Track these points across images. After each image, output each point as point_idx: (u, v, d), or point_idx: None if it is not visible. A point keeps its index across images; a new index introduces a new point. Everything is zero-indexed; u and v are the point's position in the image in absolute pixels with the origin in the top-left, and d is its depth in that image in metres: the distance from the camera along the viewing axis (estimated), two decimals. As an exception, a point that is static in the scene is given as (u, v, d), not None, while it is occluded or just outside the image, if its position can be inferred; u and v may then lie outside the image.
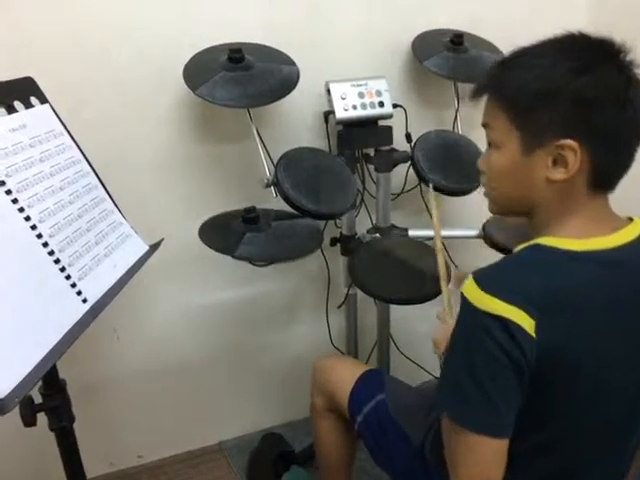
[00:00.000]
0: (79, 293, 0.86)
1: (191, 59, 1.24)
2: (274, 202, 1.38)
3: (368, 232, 1.50)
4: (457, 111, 1.52)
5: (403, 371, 1.66)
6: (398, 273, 1.24)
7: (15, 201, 0.80)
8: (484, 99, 0.80)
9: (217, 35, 1.30)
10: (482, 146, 1.46)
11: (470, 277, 0.73)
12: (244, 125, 1.38)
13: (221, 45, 1.27)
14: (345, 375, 1.14)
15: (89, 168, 1.02)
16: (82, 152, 1.01)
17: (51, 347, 0.77)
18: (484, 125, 0.80)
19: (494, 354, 0.68)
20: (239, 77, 1.20)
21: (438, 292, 1.17)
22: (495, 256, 1.41)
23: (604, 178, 0.73)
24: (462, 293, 0.73)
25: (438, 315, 1.01)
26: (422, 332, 1.79)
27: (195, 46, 1.27)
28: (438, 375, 1.85)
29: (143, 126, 1.34)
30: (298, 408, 1.78)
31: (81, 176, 0.98)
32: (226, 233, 1.13)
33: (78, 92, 1.25)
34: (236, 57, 1.21)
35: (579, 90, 0.68)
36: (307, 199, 1.21)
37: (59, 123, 0.99)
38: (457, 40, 1.45)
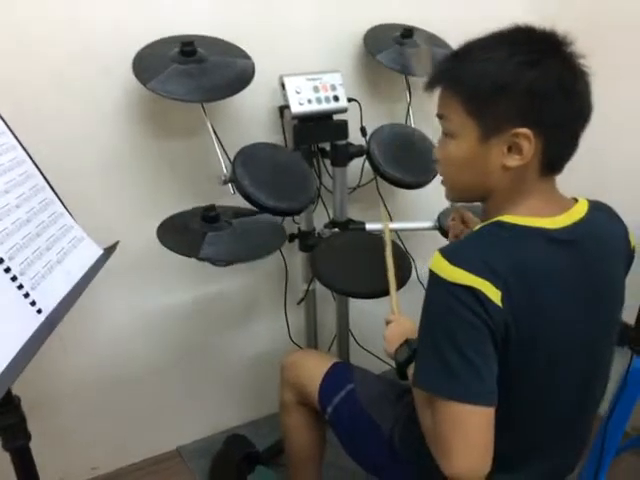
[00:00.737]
0: (33, 303, 0.81)
1: (140, 52, 1.18)
2: (229, 199, 1.35)
3: (325, 227, 1.50)
4: (409, 104, 1.53)
5: (362, 363, 1.67)
6: (360, 267, 1.24)
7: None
8: (437, 91, 0.82)
9: (165, 28, 1.24)
10: (435, 139, 1.51)
11: (437, 253, 0.76)
12: (196, 120, 1.34)
13: (171, 37, 1.22)
14: (314, 368, 1.14)
15: (35, 169, 0.96)
16: (26, 152, 0.95)
17: (6, 364, 0.71)
18: (439, 116, 0.82)
19: (470, 320, 0.71)
20: (192, 70, 1.15)
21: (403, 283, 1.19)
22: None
23: (554, 163, 0.78)
24: (430, 270, 0.76)
25: (387, 319, 1.02)
26: (380, 324, 1.82)
27: (142, 39, 1.21)
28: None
29: (88, 124, 1.27)
30: (258, 406, 1.76)
31: (27, 177, 0.92)
32: (186, 234, 1.09)
33: (17, 89, 1.16)
34: (188, 50, 1.16)
35: (531, 83, 0.72)
36: (267, 195, 1.18)
37: None
38: (407, 34, 1.46)
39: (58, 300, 0.86)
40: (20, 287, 0.79)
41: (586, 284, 0.78)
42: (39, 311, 0.81)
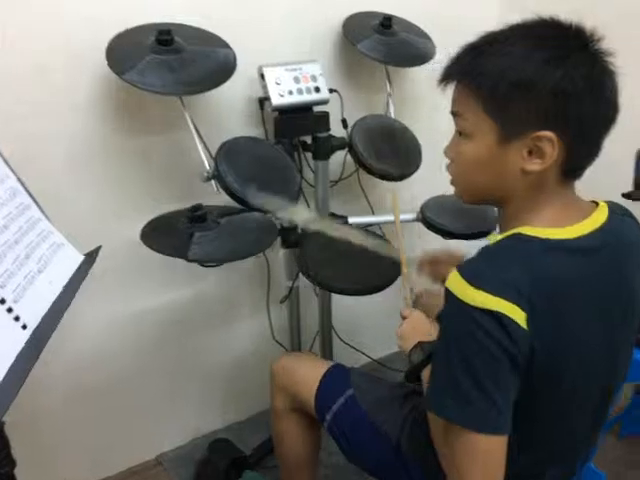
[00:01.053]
0: (17, 319, 0.73)
1: (112, 41, 1.10)
2: (210, 195, 1.29)
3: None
4: (389, 95, 1.50)
5: (344, 357, 1.65)
6: (350, 263, 1.21)
7: None
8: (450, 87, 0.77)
9: (138, 15, 1.16)
10: (415, 130, 1.49)
11: (455, 272, 0.71)
12: (172, 113, 1.27)
13: (145, 26, 1.15)
14: (308, 374, 1.09)
15: (9, 171, 0.87)
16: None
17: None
18: (454, 113, 0.77)
19: (490, 350, 0.66)
20: (170, 61, 1.08)
21: (392, 280, 1.17)
22: (434, 238, 1.44)
23: (576, 168, 0.74)
24: (447, 289, 0.71)
25: (402, 313, 0.99)
26: (361, 318, 1.81)
27: (114, 27, 1.13)
28: (377, 358, 1.87)
29: (58, 118, 1.18)
30: (240, 408, 1.71)
31: (1, 181, 0.84)
32: (173, 235, 1.03)
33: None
34: (165, 39, 1.09)
35: (556, 82, 0.67)
36: (251, 192, 1.13)
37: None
38: (386, 23, 1.43)
39: (42, 313, 0.78)
40: (2, 301, 0.72)
41: (610, 293, 0.75)
42: (24, 327, 0.74)
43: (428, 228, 1.43)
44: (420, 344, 0.87)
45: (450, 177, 0.83)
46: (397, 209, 1.13)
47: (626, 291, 0.77)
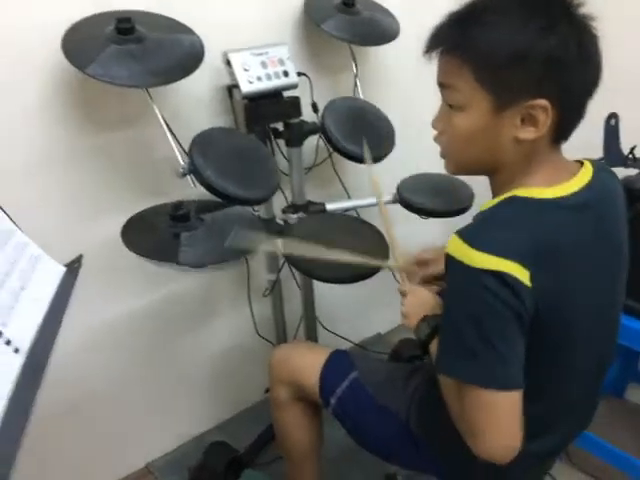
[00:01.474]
0: (8, 342, 0.67)
1: (67, 32, 1.02)
2: (180, 190, 1.22)
3: (284, 211, 1.42)
4: (356, 76, 1.47)
5: (329, 346, 1.63)
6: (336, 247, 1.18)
7: None
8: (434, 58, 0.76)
9: (89, 4, 1.08)
10: (385, 109, 1.47)
11: (455, 236, 0.72)
12: (133, 108, 1.21)
13: (100, 14, 1.07)
14: (309, 361, 1.07)
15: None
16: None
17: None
18: (442, 85, 0.77)
19: (496, 308, 0.68)
20: (133, 51, 1.01)
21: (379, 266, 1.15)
22: (414, 219, 1.43)
23: (566, 132, 0.76)
24: (448, 254, 0.72)
25: (400, 289, 0.98)
26: (340, 304, 1.79)
27: (64, 18, 1.04)
28: (359, 343, 1.85)
29: (9, 121, 1.09)
30: (227, 406, 1.67)
31: (-34, 191, 0.76)
32: (156, 237, 0.97)
33: None
34: (125, 27, 1.02)
35: (551, 50, 0.68)
36: (232, 185, 1.08)
37: None
38: (349, 2, 1.39)
39: (33, 334, 0.72)
40: (-10, 326, 0.65)
41: (603, 245, 0.78)
42: (16, 350, 0.68)
43: (406, 208, 1.42)
44: (425, 318, 0.87)
45: (440, 149, 0.83)
46: (378, 190, 1.11)
47: (617, 243, 0.81)
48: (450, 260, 0.71)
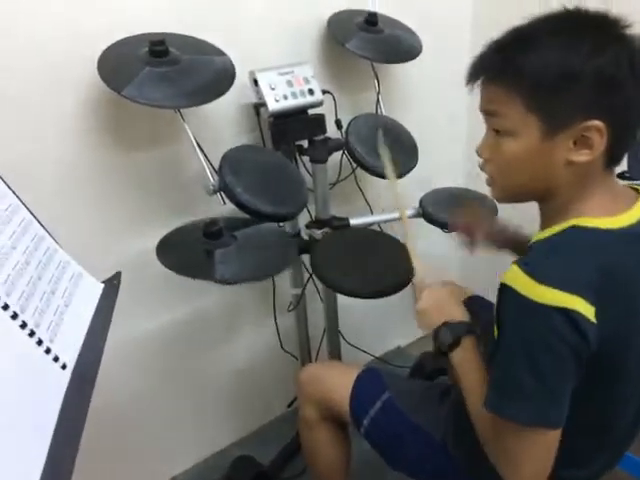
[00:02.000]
0: (56, 359, 0.69)
1: (103, 55, 1.05)
2: (207, 207, 1.25)
3: (308, 226, 1.43)
4: (378, 93, 1.49)
5: (348, 359, 1.64)
6: (364, 267, 1.19)
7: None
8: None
9: (118, 26, 1.10)
10: (408, 126, 1.49)
11: (515, 267, 0.70)
12: (163, 126, 1.23)
13: (134, 37, 1.10)
14: (340, 380, 1.07)
15: (16, 198, 0.82)
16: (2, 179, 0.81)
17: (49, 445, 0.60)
18: (488, 112, 0.75)
19: (558, 349, 0.66)
20: (168, 73, 1.04)
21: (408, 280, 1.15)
22: (436, 233, 1.44)
23: (619, 154, 0.74)
24: (507, 285, 0.70)
25: (416, 281, 0.96)
26: (360, 318, 1.80)
27: (97, 40, 1.07)
28: (380, 356, 1.84)
29: (41, 140, 1.11)
30: (251, 420, 1.68)
31: (13, 212, 0.78)
32: (190, 254, 0.99)
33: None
34: (159, 50, 1.05)
35: (602, 70, 0.66)
36: (262, 202, 1.10)
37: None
38: (372, 20, 1.42)
39: (77, 350, 0.74)
40: (39, 343, 0.67)
41: None
42: (64, 367, 0.70)
43: (429, 222, 1.44)
44: (446, 325, 0.84)
45: (486, 177, 0.81)
46: (400, 198, 1.11)
47: None
48: (509, 292, 0.69)
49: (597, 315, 0.66)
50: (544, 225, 0.78)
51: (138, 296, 1.33)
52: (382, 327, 1.91)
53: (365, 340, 1.78)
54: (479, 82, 0.75)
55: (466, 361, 0.81)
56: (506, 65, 0.71)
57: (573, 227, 0.72)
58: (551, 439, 0.70)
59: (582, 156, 0.70)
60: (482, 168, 0.80)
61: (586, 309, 0.65)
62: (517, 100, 0.70)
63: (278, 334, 1.55)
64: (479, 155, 0.79)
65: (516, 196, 0.80)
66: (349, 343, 1.68)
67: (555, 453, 0.71)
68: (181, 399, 1.51)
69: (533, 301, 0.66)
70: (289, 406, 1.69)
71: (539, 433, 0.69)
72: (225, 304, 1.49)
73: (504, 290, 0.71)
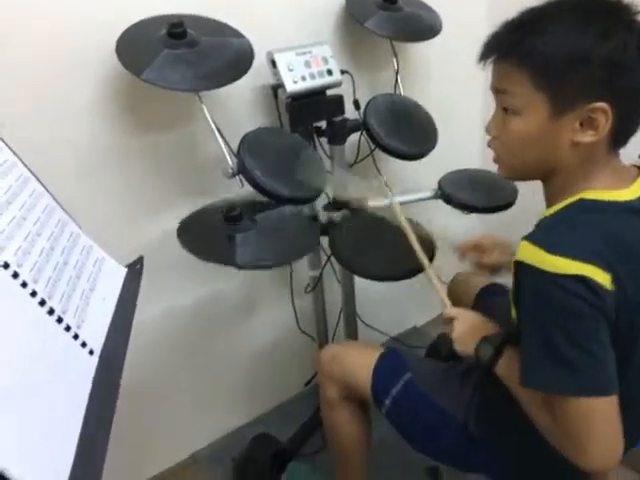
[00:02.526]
0: (84, 345, 0.70)
1: (121, 38, 1.04)
2: (225, 189, 1.25)
3: (325, 208, 1.43)
4: (397, 72, 1.47)
5: (367, 340, 1.65)
6: (383, 249, 1.19)
7: (-13, 247, 0.62)
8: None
9: (136, 9, 1.09)
10: (426, 105, 1.47)
11: (525, 242, 0.72)
12: (181, 108, 1.22)
13: (152, 18, 1.09)
14: (361, 360, 1.08)
15: (39, 184, 0.82)
16: (23, 163, 0.81)
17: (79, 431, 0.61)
18: (498, 90, 0.78)
19: (584, 311, 0.67)
20: (187, 55, 1.03)
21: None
22: (455, 214, 1.43)
23: (624, 137, 0.76)
24: (522, 262, 0.71)
25: (446, 314, 0.95)
26: (377, 298, 1.80)
27: (115, 24, 1.06)
28: (395, 336, 1.85)
29: (61, 123, 1.11)
30: (269, 398, 1.71)
31: (37, 197, 0.79)
32: (210, 238, 0.99)
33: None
34: (178, 32, 1.04)
35: (611, 53, 0.68)
36: (281, 185, 1.10)
37: None
38: (391, -2, 1.39)
39: (104, 336, 0.75)
40: (68, 328, 0.69)
41: None
42: (91, 352, 0.71)
43: (448, 203, 1.42)
44: (485, 339, 0.85)
45: (493, 154, 0.83)
46: (401, 214, 1.12)
47: None
48: (523, 268, 0.70)
49: (613, 283, 0.68)
50: (548, 204, 0.81)
51: (156, 278, 1.33)
52: (398, 307, 1.92)
53: (381, 320, 1.79)
54: (491, 60, 0.77)
55: (514, 369, 0.80)
56: (517, 44, 0.72)
57: (579, 200, 0.74)
58: (612, 407, 0.69)
59: (587, 137, 0.72)
60: (490, 145, 0.82)
61: (601, 277, 0.67)
62: (526, 79, 0.72)
63: (295, 315, 1.56)
64: (487, 132, 0.82)
65: (521, 174, 0.83)
66: (365, 323, 1.69)
67: (619, 425, 0.69)
68: (200, 378, 1.54)
69: (547, 271, 0.67)
70: (307, 384, 1.71)
71: (597, 402, 0.68)
72: (243, 285, 1.51)
73: (518, 267, 0.73)
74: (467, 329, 0.90)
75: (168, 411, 1.51)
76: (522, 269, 0.71)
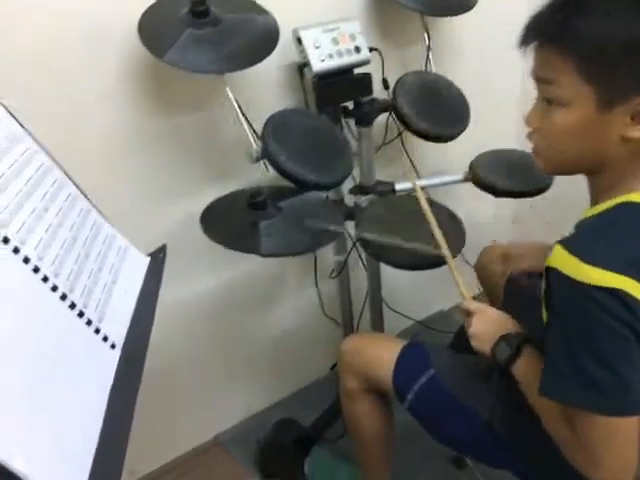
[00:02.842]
0: (105, 339, 0.69)
1: (142, 18, 1.00)
2: (249, 174, 1.23)
3: (351, 192, 1.39)
4: (429, 48, 1.41)
5: (389, 323, 1.63)
6: (410, 236, 1.15)
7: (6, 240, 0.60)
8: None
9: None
10: (459, 83, 1.40)
11: (560, 248, 0.67)
12: (204, 89, 1.19)
13: (173, -4, 1.05)
14: (383, 353, 1.05)
15: (62, 173, 0.80)
16: (45, 150, 0.79)
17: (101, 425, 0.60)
18: (541, 79, 0.71)
19: (615, 329, 0.64)
20: (209, 35, 0.99)
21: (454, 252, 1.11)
22: (483, 197, 1.37)
23: None
24: (554, 268, 0.67)
25: (464, 307, 0.92)
26: (402, 282, 1.77)
27: (135, 2, 1.02)
28: (421, 321, 1.80)
29: (82, 108, 1.08)
30: (293, 381, 1.70)
31: (59, 187, 0.77)
32: (234, 225, 0.96)
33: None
34: (200, 10, 1.00)
35: None
36: (307, 170, 1.06)
37: (12, 119, 0.75)
38: (421, -31, 1.32)
39: (126, 328, 0.74)
40: (89, 323, 0.67)
41: None
42: (113, 346, 0.69)
43: (479, 187, 1.37)
44: (503, 338, 0.82)
45: (532, 146, 0.78)
46: (424, 202, 1.07)
47: None
48: (556, 275, 0.67)
49: None
50: (593, 201, 0.76)
51: (181, 262, 1.33)
52: (424, 291, 1.88)
53: (407, 304, 1.76)
54: (533, 45, 0.70)
55: (531, 371, 0.77)
56: (564, 28, 0.66)
57: (622, 204, 0.69)
58: (632, 427, 0.67)
59: (638, 132, 0.66)
60: (529, 137, 0.77)
61: (636, 290, 0.63)
62: (572, 68, 0.66)
63: (320, 300, 1.54)
64: (527, 124, 0.76)
65: (563, 169, 0.77)
66: (391, 308, 1.66)
67: (637, 444, 0.67)
68: (225, 361, 1.54)
69: (580, 282, 0.64)
70: (332, 368, 1.70)
71: (619, 421, 0.66)
72: (268, 270, 1.49)
73: (550, 273, 0.69)
74: (485, 326, 0.86)
75: (192, 394, 1.51)
76: (554, 275, 0.68)
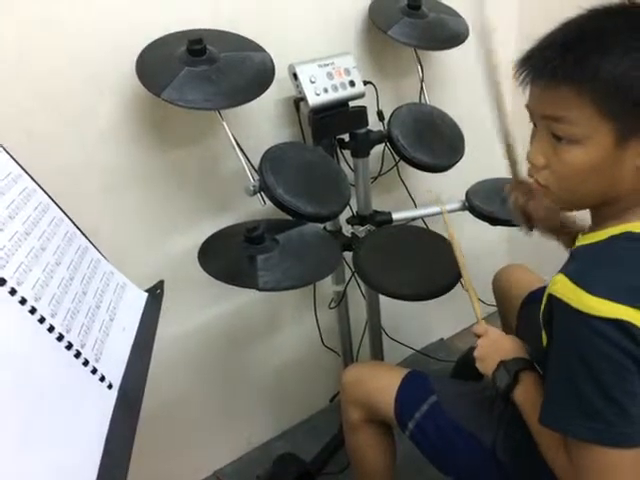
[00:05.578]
0: (102, 379, 0.68)
1: (141, 55, 1.02)
2: (245, 206, 1.24)
3: (348, 222, 1.40)
4: (422, 81, 1.43)
5: (390, 353, 1.62)
6: (409, 267, 1.15)
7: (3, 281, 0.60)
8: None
9: (155, 26, 1.06)
10: (453, 115, 1.42)
11: (563, 277, 0.67)
12: (201, 124, 1.20)
13: (170, 35, 1.07)
14: (384, 382, 1.04)
15: (59, 211, 0.81)
16: (41, 188, 0.80)
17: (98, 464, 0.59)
18: (552, 118, 0.68)
19: (617, 359, 0.63)
20: (207, 72, 1.01)
21: (453, 284, 1.11)
22: (480, 226, 1.38)
23: None
24: (556, 297, 0.67)
25: (475, 331, 0.92)
26: (404, 311, 1.76)
27: (132, 41, 1.04)
28: (421, 349, 1.80)
29: (83, 146, 1.09)
30: (293, 414, 1.68)
31: (56, 225, 0.78)
32: (232, 260, 0.97)
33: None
34: (197, 48, 1.01)
35: None
36: (304, 202, 1.07)
37: (10, 159, 0.76)
38: (414, 4, 1.35)
39: (123, 368, 0.73)
40: (86, 363, 0.67)
41: None
42: (110, 386, 0.69)
43: (475, 216, 1.38)
44: (502, 364, 0.82)
45: (538, 183, 0.74)
46: (452, 232, 1.08)
47: None
48: (559, 304, 0.66)
49: None
50: (595, 226, 0.75)
51: (178, 295, 1.32)
52: (424, 319, 1.88)
53: (407, 333, 1.75)
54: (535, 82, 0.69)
55: (529, 399, 0.77)
56: (579, 66, 0.64)
57: (625, 233, 0.68)
58: (628, 461, 0.65)
59: None
60: (531, 175, 0.74)
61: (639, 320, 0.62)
62: (589, 106, 0.64)
63: (319, 330, 1.53)
64: (532, 161, 0.73)
65: (576, 205, 0.75)
66: (391, 337, 1.65)
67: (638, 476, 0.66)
68: (223, 394, 1.52)
69: (583, 312, 0.63)
70: (331, 400, 1.68)
71: (621, 454, 0.65)
72: (267, 301, 1.48)
73: (553, 302, 0.68)
74: (488, 349, 0.86)
75: (191, 428, 1.49)
76: (556, 304, 0.67)
